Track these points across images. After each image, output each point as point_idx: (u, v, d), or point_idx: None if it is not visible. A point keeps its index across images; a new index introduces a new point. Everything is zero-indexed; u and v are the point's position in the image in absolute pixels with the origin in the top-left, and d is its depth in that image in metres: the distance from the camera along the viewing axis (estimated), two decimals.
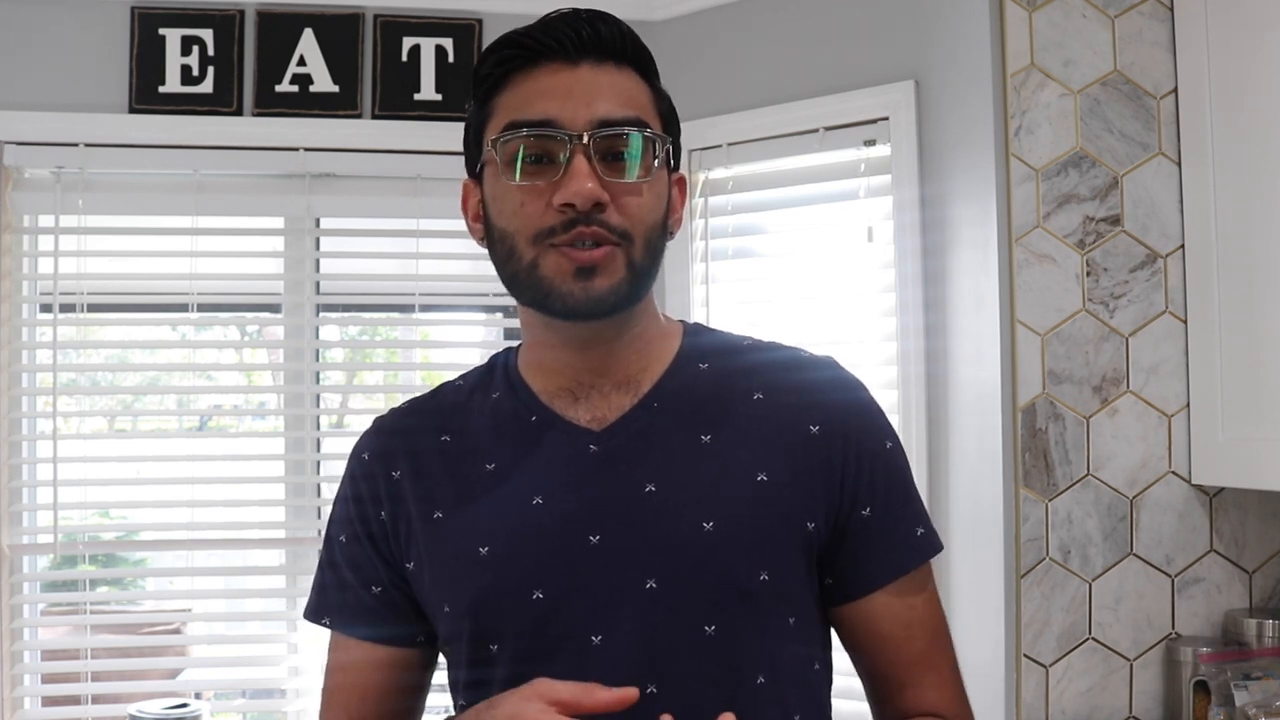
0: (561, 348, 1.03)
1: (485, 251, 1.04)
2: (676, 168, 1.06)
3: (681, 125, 1.08)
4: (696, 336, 1.10)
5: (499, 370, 1.10)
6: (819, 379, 1.06)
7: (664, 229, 1.01)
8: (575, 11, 0.98)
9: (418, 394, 1.14)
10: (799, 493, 1.00)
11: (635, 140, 0.96)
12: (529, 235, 0.96)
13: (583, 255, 0.95)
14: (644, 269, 0.98)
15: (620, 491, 0.98)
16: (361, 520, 1.06)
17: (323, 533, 1.12)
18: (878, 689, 1.05)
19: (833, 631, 1.07)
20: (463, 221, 1.07)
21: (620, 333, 1.02)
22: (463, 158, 1.06)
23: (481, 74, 1.01)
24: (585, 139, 0.94)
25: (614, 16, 0.99)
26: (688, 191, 1.11)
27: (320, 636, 1.12)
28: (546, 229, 0.95)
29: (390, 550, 1.05)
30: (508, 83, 0.99)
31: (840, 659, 1.07)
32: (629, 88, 0.99)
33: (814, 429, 1.01)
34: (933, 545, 1.05)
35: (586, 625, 0.95)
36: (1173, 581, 1.86)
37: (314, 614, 1.10)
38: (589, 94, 0.96)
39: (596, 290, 0.95)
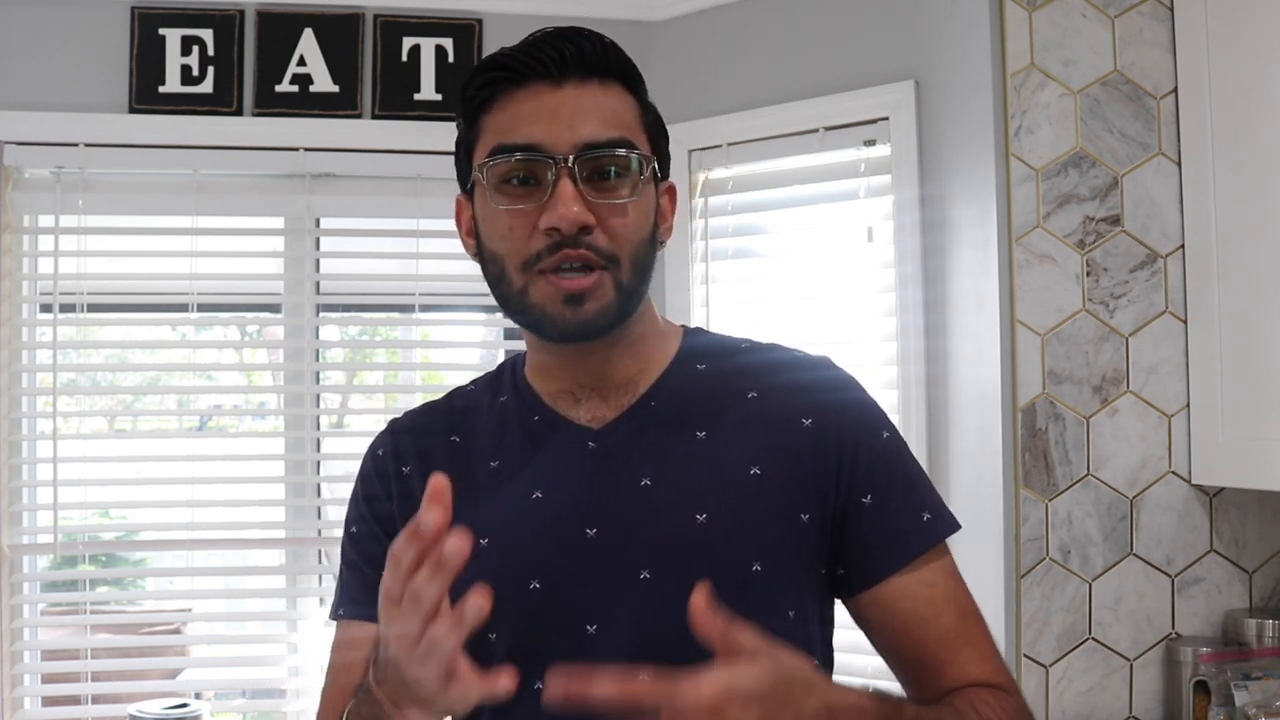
0: (560, 355, 1.06)
1: None
2: (665, 177, 1.07)
3: (681, 125, 1.09)
4: (694, 339, 1.12)
5: (506, 374, 1.13)
6: (813, 376, 1.08)
7: (652, 243, 1.03)
8: (559, 30, 1.00)
9: (430, 398, 1.18)
10: (792, 486, 1.01)
11: (620, 161, 0.98)
12: (518, 262, 0.99)
13: (571, 284, 0.97)
14: (632, 289, 1.01)
15: (617, 486, 1.01)
16: (373, 511, 1.09)
17: (323, 533, 1.14)
18: (913, 674, 1.04)
19: (833, 632, 1.07)
20: None
21: (615, 342, 1.04)
22: None
23: (468, 95, 1.02)
24: (570, 162, 0.96)
25: (597, 33, 1.01)
26: (677, 199, 1.13)
27: (321, 634, 1.13)
28: (533, 255, 0.98)
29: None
30: (494, 103, 1.00)
31: (845, 659, 1.07)
32: (614, 106, 1.00)
33: (806, 422, 1.03)
34: (939, 529, 1.04)
35: (582, 615, 0.98)
36: (1173, 581, 1.86)
37: (332, 612, 1.12)
38: (573, 116, 0.97)
39: (585, 315, 0.98)
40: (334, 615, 1.12)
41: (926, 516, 1.04)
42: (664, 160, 1.06)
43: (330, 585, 2.27)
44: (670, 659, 0.95)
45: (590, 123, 0.97)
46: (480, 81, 1.01)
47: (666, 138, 1.08)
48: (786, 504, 1.00)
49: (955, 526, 1.06)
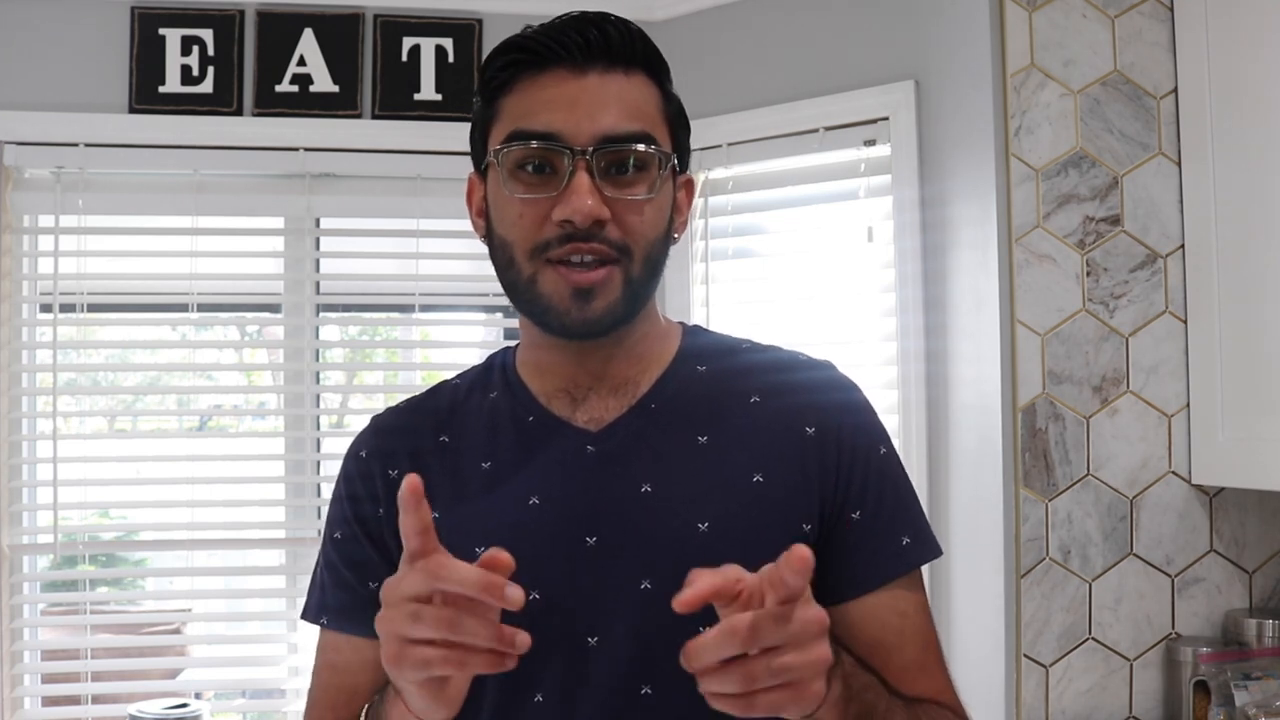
0: (559, 351, 1.03)
1: (485, 251, 1.04)
2: (684, 169, 1.05)
3: None
4: (695, 338, 1.10)
5: (496, 370, 1.10)
6: (816, 381, 1.06)
7: (666, 240, 1.01)
8: (584, 15, 0.97)
9: (414, 393, 1.14)
10: (794, 494, 0.99)
11: (640, 155, 0.96)
12: (526, 249, 0.96)
13: (581, 277, 0.95)
14: (641, 284, 0.99)
15: (617, 492, 0.98)
16: (358, 517, 1.06)
17: (321, 533, 1.12)
18: None
19: None
20: (462, 221, 1.07)
21: (618, 341, 1.02)
22: (462, 157, 1.06)
23: (487, 76, 1.00)
24: (588, 154, 0.94)
25: (623, 19, 0.98)
26: (694, 193, 1.10)
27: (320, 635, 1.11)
28: (543, 243, 0.96)
29: (387, 546, 1.04)
30: (514, 86, 0.98)
31: None
32: (636, 96, 0.98)
33: (809, 430, 1.01)
34: (920, 555, 1.03)
35: (583, 626, 0.96)
36: (1173, 581, 1.86)
37: (312, 614, 1.09)
38: (594, 106, 0.95)
39: (593, 312, 0.96)
40: (315, 620, 1.08)
41: (906, 541, 1.02)
42: (684, 153, 1.04)
43: None
44: (671, 670, 0.95)
45: (611, 114, 0.95)
46: (501, 63, 0.98)
47: (688, 129, 1.05)
48: (788, 513, 0.98)
49: (936, 552, 1.04)
